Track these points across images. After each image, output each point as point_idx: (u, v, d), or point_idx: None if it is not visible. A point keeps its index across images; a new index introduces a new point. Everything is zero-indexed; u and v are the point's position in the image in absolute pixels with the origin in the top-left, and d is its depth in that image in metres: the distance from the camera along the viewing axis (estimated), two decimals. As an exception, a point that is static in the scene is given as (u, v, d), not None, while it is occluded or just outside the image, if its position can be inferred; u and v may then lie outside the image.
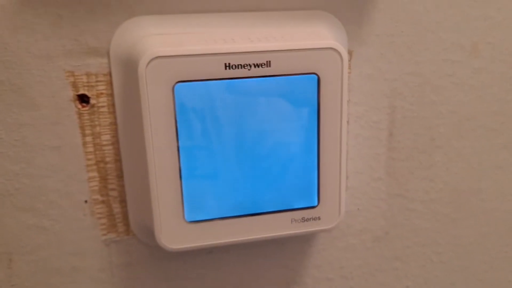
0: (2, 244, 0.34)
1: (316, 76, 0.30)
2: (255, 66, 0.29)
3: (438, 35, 0.36)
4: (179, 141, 0.29)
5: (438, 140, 0.38)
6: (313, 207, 0.33)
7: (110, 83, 0.32)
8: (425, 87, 0.37)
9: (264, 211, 0.32)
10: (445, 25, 0.36)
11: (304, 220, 0.33)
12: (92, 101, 0.32)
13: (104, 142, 0.33)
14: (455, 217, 0.41)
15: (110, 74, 0.32)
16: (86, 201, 0.34)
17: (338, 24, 0.34)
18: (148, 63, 0.28)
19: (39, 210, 0.34)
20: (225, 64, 0.29)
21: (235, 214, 0.32)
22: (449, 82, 0.37)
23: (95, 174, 0.34)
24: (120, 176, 0.34)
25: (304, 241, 0.39)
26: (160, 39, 0.30)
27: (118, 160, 0.34)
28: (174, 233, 0.31)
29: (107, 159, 0.33)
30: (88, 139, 0.33)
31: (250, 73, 0.29)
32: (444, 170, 0.39)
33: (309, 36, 0.31)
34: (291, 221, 0.32)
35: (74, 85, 0.32)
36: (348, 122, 0.36)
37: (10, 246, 0.34)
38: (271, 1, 0.33)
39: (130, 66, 0.31)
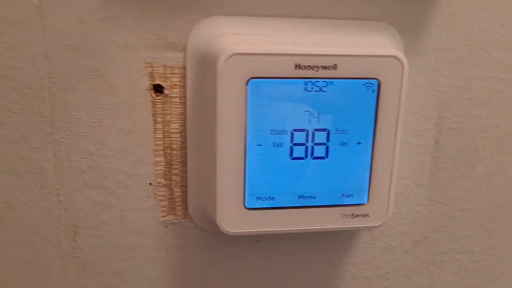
0: (70, 217, 0.37)
1: (377, 81, 0.32)
2: (322, 68, 0.31)
3: (489, 53, 0.38)
4: (247, 134, 0.32)
5: (481, 152, 0.40)
6: (363, 204, 0.35)
7: (183, 76, 0.35)
8: (473, 101, 0.39)
9: (318, 204, 0.34)
10: (496, 44, 0.38)
11: (354, 216, 0.35)
12: (166, 92, 0.35)
13: (173, 130, 0.36)
14: (491, 228, 0.43)
15: (184, 67, 0.35)
16: (150, 184, 0.37)
17: (397, 35, 0.36)
18: (227, 59, 0.30)
19: (108, 188, 0.36)
20: (295, 64, 0.31)
21: (290, 205, 0.34)
22: (496, 98, 0.39)
23: (161, 159, 0.36)
24: (184, 162, 0.37)
25: (346, 238, 0.41)
26: (235, 38, 0.33)
27: (184, 147, 0.36)
28: (234, 219, 0.33)
29: (174, 146, 0.36)
30: (159, 126, 0.36)
31: (317, 74, 0.31)
32: (484, 182, 0.41)
33: (371, 44, 0.34)
34: (342, 216, 0.35)
35: (151, 76, 0.35)
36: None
37: (77, 220, 0.37)
38: (337, 11, 0.35)
39: (205, 61, 0.33)
